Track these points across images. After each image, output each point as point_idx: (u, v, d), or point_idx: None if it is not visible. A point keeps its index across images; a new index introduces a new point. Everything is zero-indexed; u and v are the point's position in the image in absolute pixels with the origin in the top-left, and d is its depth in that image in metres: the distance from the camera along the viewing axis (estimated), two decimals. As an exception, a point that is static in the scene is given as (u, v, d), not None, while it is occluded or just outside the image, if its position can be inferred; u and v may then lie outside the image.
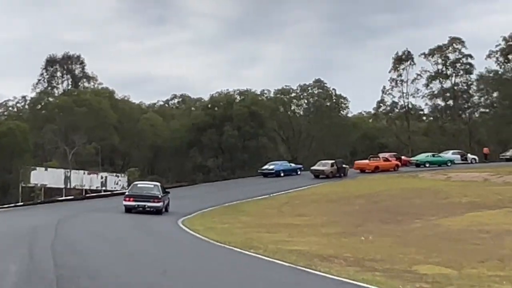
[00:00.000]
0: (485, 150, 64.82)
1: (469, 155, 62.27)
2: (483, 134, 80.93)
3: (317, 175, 50.45)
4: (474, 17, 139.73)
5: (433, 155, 58.78)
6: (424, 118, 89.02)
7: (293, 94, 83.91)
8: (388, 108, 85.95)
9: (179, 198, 38.89)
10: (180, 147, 78.46)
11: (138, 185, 33.86)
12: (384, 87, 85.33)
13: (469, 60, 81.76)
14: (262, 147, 77.28)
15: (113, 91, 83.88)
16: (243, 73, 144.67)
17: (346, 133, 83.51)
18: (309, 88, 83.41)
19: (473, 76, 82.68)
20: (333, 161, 52.31)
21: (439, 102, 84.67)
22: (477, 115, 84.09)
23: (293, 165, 59.54)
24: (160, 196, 31.09)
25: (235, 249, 16.45)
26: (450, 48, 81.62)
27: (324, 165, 51.48)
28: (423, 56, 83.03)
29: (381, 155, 56.98)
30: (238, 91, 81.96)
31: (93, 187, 60.21)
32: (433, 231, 20.28)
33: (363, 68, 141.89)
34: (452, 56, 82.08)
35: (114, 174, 68.23)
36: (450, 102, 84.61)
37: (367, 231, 20.88)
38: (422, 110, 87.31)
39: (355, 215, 27.40)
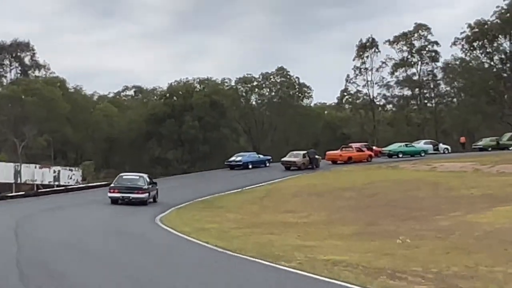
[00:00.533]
0: (462, 139, 64.04)
1: (441, 145, 60.97)
2: (450, 123, 79.76)
3: (288, 166, 48.23)
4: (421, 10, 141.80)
5: (406, 145, 57.03)
6: (390, 107, 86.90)
7: (255, 83, 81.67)
8: (352, 98, 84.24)
9: None
10: (137, 139, 75.92)
11: (124, 177, 33.92)
12: (348, 76, 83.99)
13: (435, 47, 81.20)
14: (224, 138, 75.11)
15: (65, 80, 79.82)
16: (193, 67, 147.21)
17: (309, 123, 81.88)
18: (272, 76, 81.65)
19: (439, 64, 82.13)
20: (305, 151, 50.30)
21: (405, 91, 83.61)
22: (443, 104, 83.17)
23: (261, 156, 56.79)
24: (144, 188, 31.25)
25: (258, 260, 13.29)
26: (416, 35, 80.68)
27: (296, 156, 49.12)
28: (388, 43, 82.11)
29: (353, 145, 54.94)
30: (198, 80, 79.71)
31: (45, 182, 56.55)
32: (476, 231, 17.29)
33: (312, 61, 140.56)
34: (417, 44, 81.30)
35: (68, 168, 65.05)
36: (416, 91, 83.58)
37: (388, 231, 18.68)
38: (387, 99, 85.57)
39: (357, 211, 25.59)
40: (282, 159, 50.65)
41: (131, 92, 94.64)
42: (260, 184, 40.43)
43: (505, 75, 78.71)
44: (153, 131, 73.83)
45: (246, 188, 38.98)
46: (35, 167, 57.97)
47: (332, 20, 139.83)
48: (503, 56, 78.56)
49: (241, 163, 53.28)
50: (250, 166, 52.84)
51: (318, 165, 48.81)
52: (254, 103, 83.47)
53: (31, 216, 26.40)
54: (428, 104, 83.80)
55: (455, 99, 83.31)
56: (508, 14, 75.36)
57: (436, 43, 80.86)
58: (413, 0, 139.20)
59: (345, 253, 14.46)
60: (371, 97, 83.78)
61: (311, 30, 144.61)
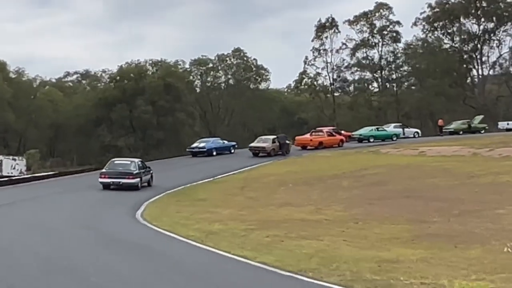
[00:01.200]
0: (440, 122, 62.05)
1: (411, 129, 60.06)
2: (412, 106, 77.49)
3: (257, 152, 45.87)
4: None
5: (377, 129, 55.77)
6: (351, 89, 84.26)
7: (210, 65, 78.62)
8: (311, 80, 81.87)
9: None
10: (85, 125, 71.52)
11: (115, 162, 34.15)
12: (306, 58, 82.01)
13: (397, 27, 79.69)
14: (179, 123, 71.48)
15: (5, 63, 73.90)
16: (132, 54, 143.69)
17: (267, 108, 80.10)
18: (228, 58, 79.03)
19: (401, 45, 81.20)
20: (274, 136, 47.99)
21: (366, 73, 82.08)
22: (405, 87, 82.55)
23: (226, 142, 53.48)
24: (135, 173, 31.30)
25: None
26: (377, 15, 79.00)
27: (265, 142, 46.85)
28: (347, 23, 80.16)
29: (324, 129, 52.86)
30: (150, 62, 75.89)
31: None
32: None
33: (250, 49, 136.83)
34: (378, 24, 79.57)
35: (11, 157, 61.35)
36: (377, 73, 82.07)
37: (460, 231, 14.88)
38: (347, 81, 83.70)
39: (378, 204, 21.76)
40: (250, 144, 48.57)
41: (73, 78, 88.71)
42: (231, 173, 37.53)
43: (466, 57, 78.99)
44: (103, 117, 69.82)
45: (218, 177, 35.71)
46: None
47: (271, 9, 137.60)
48: (465, 37, 78.32)
49: (205, 149, 49.89)
50: (215, 153, 49.65)
51: (288, 151, 46.58)
52: (209, 85, 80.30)
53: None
54: (389, 87, 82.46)
55: (415, 80, 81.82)
56: None
57: (398, 23, 79.35)
58: None
59: (465, 273, 10.47)
60: (331, 80, 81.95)
61: (251, 19, 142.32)
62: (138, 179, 31.31)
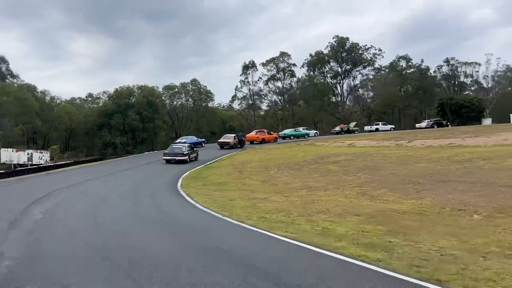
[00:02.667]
0: (342, 126, 59.86)
1: (313, 130, 57.80)
2: (302, 118, 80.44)
3: (223, 146, 43.35)
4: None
5: (295, 130, 54.85)
6: (264, 107, 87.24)
7: (175, 90, 77.70)
8: (240, 101, 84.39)
9: (125, 170, 28.24)
10: (91, 128, 68.50)
11: (173, 146, 34.57)
12: (236, 86, 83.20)
13: (293, 68, 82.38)
14: (157, 127, 70.23)
15: (35, 86, 71.26)
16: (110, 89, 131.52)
17: (212, 118, 79.53)
18: (187, 85, 77.96)
19: (295, 79, 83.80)
20: (234, 134, 46.59)
21: (273, 97, 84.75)
22: (297, 106, 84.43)
23: (199, 139, 51.35)
24: (185, 153, 31.55)
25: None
26: (281, 59, 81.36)
27: (229, 138, 45.00)
28: (262, 65, 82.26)
29: (264, 130, 51.42)
30: (137, 86, 73.68)
31: (21, 162, 51.22)
32: None
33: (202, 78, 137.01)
34: (281, 65, 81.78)
35: (38, 151, 59.18)
36: (280, 97, 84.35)
37: None
38: (262, 102, 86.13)
39: (434, 189, 13.53)
40: (218, 140, 46.37)
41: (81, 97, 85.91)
42: (214, 160, 32.55)
43: (333, 86, 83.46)
44: (104, 123, 66.92)
45: (207, 163, 30.59)
46: (12, 151, 52.26)
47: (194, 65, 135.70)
48: (332, 74, 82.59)
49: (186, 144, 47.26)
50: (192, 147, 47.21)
51: (243, 145, 44.58)
52: (175, 103, 79.01)
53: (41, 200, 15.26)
54: (288, 105, 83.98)
55: (304, 102, 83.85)
56: (336, 46, 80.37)
57: (294, 65, 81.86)
58: (278, 36, 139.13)
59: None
60: (252, 100, 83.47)
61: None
62: (187, 156, 31.36)
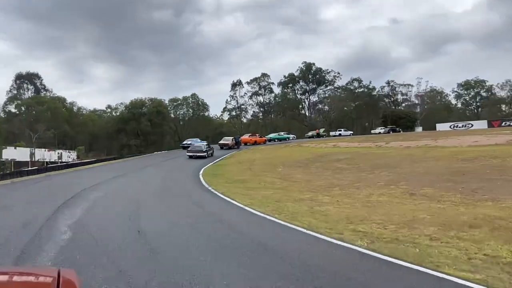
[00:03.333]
0: (317, 130, 60.49)
1: (291, 135, 57.81)
2: (279, 125, 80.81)
3: (222, 146, 41.61)
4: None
5: (279, 134, 54.45)
6: (249, 117, 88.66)
7: (179, 102, 78.99)
8: (229, 112, 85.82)
9: (147, 167, 25.85)
10: (111, 133, 68.76)
11: (195, 145, 34.54)
12: (226, 100, 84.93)
13: (272, 86, 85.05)
14: (165, 132, 71.00)
15: (65, 98, 71.42)
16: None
17: (207, 125, 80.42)
18: (188, 98, 79.28)
19: (273, 95, 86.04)
20: (232, 137, 45.13)
21: (256, 109, 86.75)
22: (275, 117, 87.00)
23: (202, 141, 45.69)
24: (204, 150, 31.62)
25: None
26: (262, 79, 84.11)
27: (228, 140, 43.55)
28: (247, 83, 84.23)
29: (257, 134, 51.53)
30: (148, 98, 74.10)
31: (52, 160, 50.85)
32: None
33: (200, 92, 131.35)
34: (262, 83, 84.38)
35: (67, 151, 59.94)
36: (262, 109, 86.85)
37: None
38: (248, 112, 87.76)
39: (456, 189, 10.67)
40: (219, 142, 44.40)
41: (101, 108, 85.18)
42: (219, 159, 29.90)
43: (303, 101, 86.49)
44: (121, 128, 67.52)
45: (215, 161, 27.98)
46: (45, 150, 52.05)
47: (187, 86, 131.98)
48: (302, 91, 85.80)
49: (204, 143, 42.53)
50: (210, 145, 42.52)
51: (239, 146, 43.14)
52: (178, 113, 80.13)
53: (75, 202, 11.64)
54: (268, 116, 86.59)
55: (281, 113, 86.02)
56: (304, 69, 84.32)
57: (272, 83, 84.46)
58: (252, 64, 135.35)
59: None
60: (239, 111, 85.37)
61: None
62: (205, 153, 31.36)
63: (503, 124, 50.91)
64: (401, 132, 57.42)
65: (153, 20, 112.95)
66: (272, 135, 53.70)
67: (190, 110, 79.36)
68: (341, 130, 60.62)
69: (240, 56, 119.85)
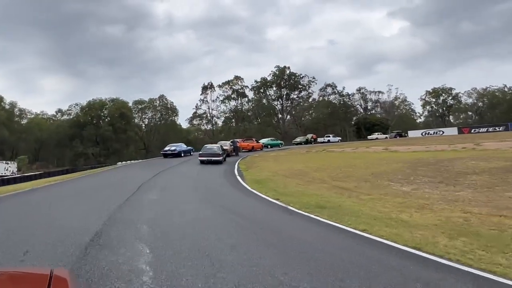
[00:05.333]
0: (313, 136, 57.18)
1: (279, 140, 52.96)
2: (254, 131, 74.20)
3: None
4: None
5: (271, 140, 50.49)
6: (220, 122, 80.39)
7: (145, 105, 67.47)
8: (200, 117, 76.85)
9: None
10: (63, 139, 55.70)
11: (206, 147, 29.37)
12: (196, 105, 75.50)
13: (245, 90, 77.56)
14: (129, 138, 59.37)
15: (2, 97, 56.30)
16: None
17: (177, 131, 70.92)
18: (155, 101, 68.19)
19: (246, 99, 78.68)
20: (230, 142, 38.82)
21: (228, 114, 78.64)
22: (249, 122, 79.32)
23: (188, 147, 40.58)
24: (219, 153, 27.03)
25: None
26: (234, 82, 76.20)
27: (226, 145, 35.19)
28: (218, 87, 76.00)
29: (253, 139, 46.50)
30: (109, 98, 61.82)
31: None
32: None
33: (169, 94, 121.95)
34: (235, 87, 76.64)
35: (4, 161, 46.68)
36: (234, 114, 78.79)
37: None
38: (220, 117, 79.61)
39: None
40: None
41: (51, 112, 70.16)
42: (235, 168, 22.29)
43: (276, 106, 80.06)
44: (76, 134, 54.64)
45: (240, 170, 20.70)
46: None
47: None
48: (275, 97, 79.21)
49: (176, 151, 36.43)
50: (182, 155, 36.75)
51: (238, 152, 37.01)
52: (144, 117, 68.70)
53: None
54: (241, 122, 78.25)
55: (256, 119, 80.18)
56: (277, 74, 77.92)
57: (246, 86, 76.99)
58: (203, 79, 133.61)
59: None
60: (210, 116, 76.74)
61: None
62: (221, 157, 26.92)
63: (472, 131, 51.46)
64: (407, 136, 54.90)
65: (105, 34, 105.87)
66: (264, 141, 48.76)
67: (157, 114, 67.89)
68: (329, 136, 57.68)
69: (191, 71, 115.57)
